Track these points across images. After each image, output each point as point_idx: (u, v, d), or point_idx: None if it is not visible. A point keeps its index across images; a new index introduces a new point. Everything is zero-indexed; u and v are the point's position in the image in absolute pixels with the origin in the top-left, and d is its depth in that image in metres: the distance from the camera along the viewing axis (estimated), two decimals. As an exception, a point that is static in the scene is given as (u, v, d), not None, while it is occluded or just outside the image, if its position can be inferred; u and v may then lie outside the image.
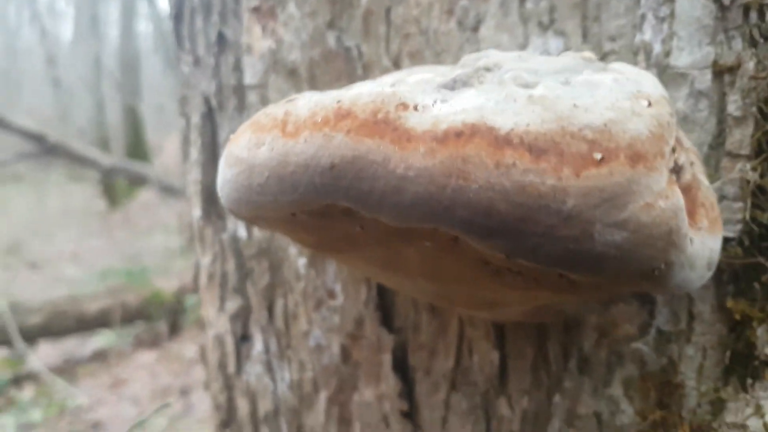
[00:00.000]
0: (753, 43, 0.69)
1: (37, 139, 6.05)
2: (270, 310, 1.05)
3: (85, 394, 4.92)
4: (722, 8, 0.69)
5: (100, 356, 5.77)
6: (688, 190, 0.54)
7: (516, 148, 0.45)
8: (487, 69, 0.55)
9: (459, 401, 0.87)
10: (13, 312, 5.16)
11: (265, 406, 1.10)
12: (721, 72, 0.70)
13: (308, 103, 0.55)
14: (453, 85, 0.54)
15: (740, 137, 0.69)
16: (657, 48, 0.72)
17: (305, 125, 0.53)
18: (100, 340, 5.94)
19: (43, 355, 5.51)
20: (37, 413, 4.59)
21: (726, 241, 0.71)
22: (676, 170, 0.53)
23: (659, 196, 0.46)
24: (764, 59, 0.69)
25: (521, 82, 0.51)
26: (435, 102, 0.51)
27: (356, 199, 0.51)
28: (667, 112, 0.49)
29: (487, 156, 0.46)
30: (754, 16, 0.69)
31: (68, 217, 10.89)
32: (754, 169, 0.68)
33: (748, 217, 0.69)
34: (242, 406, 1.13)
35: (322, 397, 1.03)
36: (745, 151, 0.69)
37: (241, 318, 1.09)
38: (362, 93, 0.52)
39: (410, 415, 0.94)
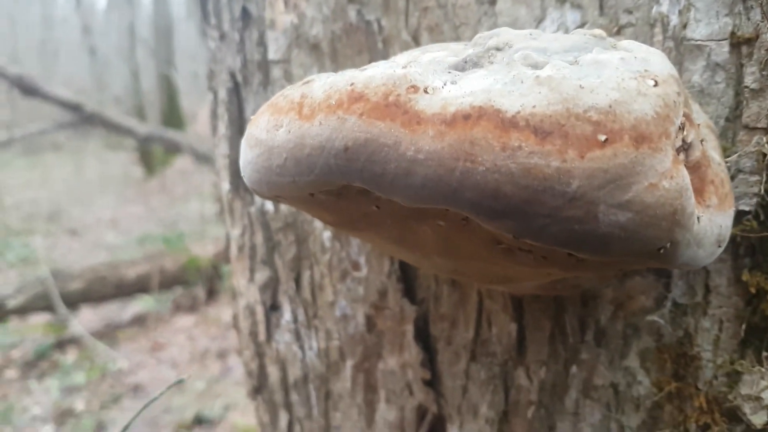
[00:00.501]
0: (773, 13, 0.68)
1: (74, 108, 6.16)
2: (297, 281, 1.08)
3: (125, 358, 5.08)
4: (742, -22, 0.68)
5: (139, 321, 5.94)
6: (697, 168, 0.55)
7: (522, 131, 0.46)
8: (498, 48, 0.55)
9: (478, 371, 0.89)
10: (55, 278, 5.33)
11: (294, 373, 1.13)
12: (738, 44, 0.69)
13: (323, 85, 0.56)
14: (464, 66, 0.55)
15: (757, 110, 0.69)
16: (674, 20, 0.71)
17: (320, 108, 0.54)
18: (139, 304, 6.10)
19: (85, 320, 5.69)
20: (80, 376, 4.76)
21: (742, 214, 0.71)
22: (685, 148, 0.53)
23: (664, 177, 0.46)
24: (785, 30, 0.68)
25: (530, 62, 0.52)
26: (445, 84, 0.52)
27: (369, 181, 0.52)
28: (674, 91, 0.49)
29: (493, 138, 0.47)
30: (774, -15, 0.68)
31: (106, 184, 11.10)
32: (771, 142, 0.68)
33: (762, 191, 0.69)
34: (273, 372, 1.17)
35: (349, 364, 1.06)
36: (762, 124, 0.69)
37: (270, 288, 1.12)
38: (375, 75, 0.53)
39: (432, 383, 0.96)
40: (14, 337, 5.41)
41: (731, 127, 0.71)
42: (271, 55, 1.01)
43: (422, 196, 0.50)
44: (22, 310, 5.31)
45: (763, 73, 0.68)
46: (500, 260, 0.61)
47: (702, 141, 0.56)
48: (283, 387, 1.16)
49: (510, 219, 0.48)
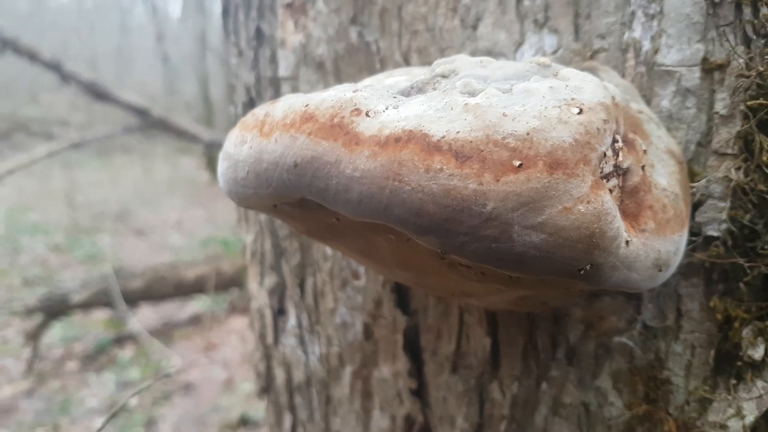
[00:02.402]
0: (746, 40, 0.69)
1: (142, 113, 6.43)
2: (302, 287, 1.13)
3: (179, 356, 5.23)
4: (713, 5, 0.69)
5: (196, 320, 6.10)
6: (634, 193, 0.56)
7: (444, 154, 0.49)
8: (444, 76, 0.58)
9: (456, 383, 0.91)
10: (118, 276, 5.54)
11: (298, 376, 1.18)
12: (711, 69, 0.70)
13: (284, 105, 0.60)
14: (409, 92, 0.58)
15: (727, 136, 0.69)
16: (646, 45, 0.72)
17: (277, 126, 0.59)
18: (197, 305, 6.28)
19: (144, 318, 5.89)
20: (134, 372, 4.93)
21: (711, 239, 0.71)
22: (619, 173, 0.55)
23: (580, 201, 0.48)
24: (756, 57, 0.68)
25: (469, 89, 0.55)
26: (387, 108, 0.55)
27: (316, 195, 0.56)
28: (599, 118, 0.51)
29: (419, 161, 0.50)
30: (747, 12, 0.68)
31: (174, 187, 11.48)
32: (737, 168, 0.68)
33: (724, 216, 0.69)
34: (279, 375, 1.22)
35: (348, 371, 1.09)
36: (731, 150, 0.69)
37: (278, 293, 1.17)
38: (326, 98, 0.57)
39: (420, 393, 0.99)
40: (77, 330, 5.65)
41: (704, 152, 0.72)
42: (282, 71, 1.06)
43: (360, 211, 0.54)
44: (86, 305, 5.53)
45: (734, 99, 0.69)
46: (448, 274, 0.63)
47: (644, 167, 0.57)
48: (288, 389, 1.20)
49: (434, 235, 0.51)
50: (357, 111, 0.55)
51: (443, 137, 0.50)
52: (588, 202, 0.49)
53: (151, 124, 6.51)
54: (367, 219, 0.54)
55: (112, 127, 7.69)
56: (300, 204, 0.63)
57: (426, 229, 0.51)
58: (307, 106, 0.58)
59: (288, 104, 0.60)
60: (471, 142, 0.49)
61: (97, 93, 6.02)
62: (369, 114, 0.54)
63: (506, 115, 0.50)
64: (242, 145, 0.62)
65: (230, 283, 6.46)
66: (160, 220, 9.74)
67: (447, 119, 0.51)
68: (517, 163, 0.48)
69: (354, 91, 0.57)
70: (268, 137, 0.59)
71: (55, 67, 5.68)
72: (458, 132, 0.49)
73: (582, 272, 0.51)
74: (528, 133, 0.48)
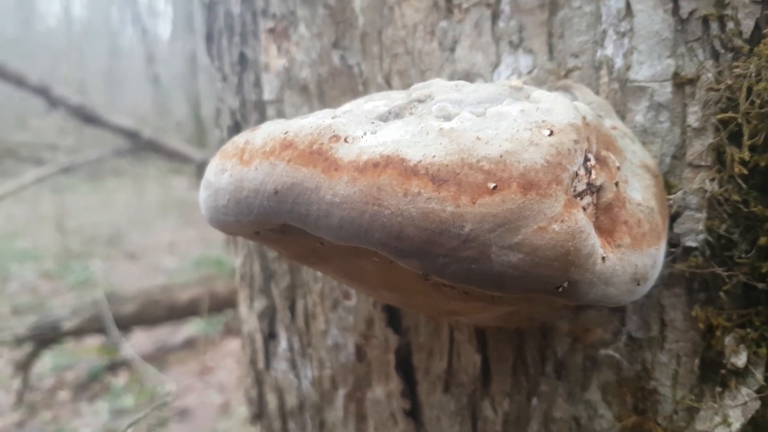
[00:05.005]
0: (714, 54, 0.70)
1: (132, 135, 6.44)
2: (292, 309, 1.13)
3: (174, 381, 5.19)
4: (681, 21, 0.71)
5: (190, 344, 6.05)
6: (609, 209, 0.57)
7: (421, 178, 0.50)
8: (420, 100, 0.60)
9: (449, 402, 0.92)
10: (109, 301, 5.50)
11: (291, 401, 1.18)
12: (682, 84, 0.71)
13: (263, 133, 0.61)
14: (387, 117, 0.59)
15: (700, 148, 0.71)
16: (618, 62, 0.74)
17: (257, 154, 0.60)
18: (191, 328, 6.23)
19: (138, 343, 5.84)
20: (129, 399, 4.88)
21: (690, 250, 0.73)
22: (593, 191, 0.56)
23: (554, 220, 0.50)
24: (725, 70, 0.70)
25: (444, 113, 0.56)
26: (365, 134, 0.56)
27: (298, 221, 0.57)
28: (570, 139, 0.52)
29: (397, 185, 0.51)
30: (715, 27, 0.70)
31: (166, 208, 11.45)
32: (711, 179, 0.70)
33: (701, 227, 0.70)
34: (271, 400, 1.22)
35: (341, 393, 1.09)
36: (705, 162, 0.71)
37: (268, 316, 1.18)
38: (305, 125, 0.58)
39: (414, 413, 0.99)
40: (69, 358, 5.59)
41: (679, 164, 0.73)
42: (266, 95, 1.07)
43: (342, 236, 0.55)
44: (78, 332, 5.48)
45: (705, 112, 0.70)
46: (434, 294, 0.64)
47: (617, 183, 0.59)
48: (281, 415, 1.20)
49: (415, 258, 0.52)
50: (336, 137, 0.56)
51: (420, 161, 0.51)
52: (562, 221, 0.50)
53: (141, 146, 6.53)
54: (349, 243, 0.55)
55: (102, 150, 7.69)
56: (283, 230, 0.64)
57: (407, 252, 0.52)
58: (286, 133, 0.59)
59: (267, 132, 0.61)
60: (447, 165, 0.50)
61: (86, 116, 6.03)
62: (347, 140, 0.55)
63: (480, 139, 0.51)
64: (222, 173, 0.63)
65: (224, 304, 6.42)
66: (153, 242, 9.72)
67: (423, 144, 0.52)
68: (492, 185, 0.49)
69: (332, 118, 0.58)
70: (249, 165, 0.60)
71: (43, 92, 5.69)
72: (434, 156, 0.51)
73: (560, 289, 0.52)
74: (501, 156, 0.50)
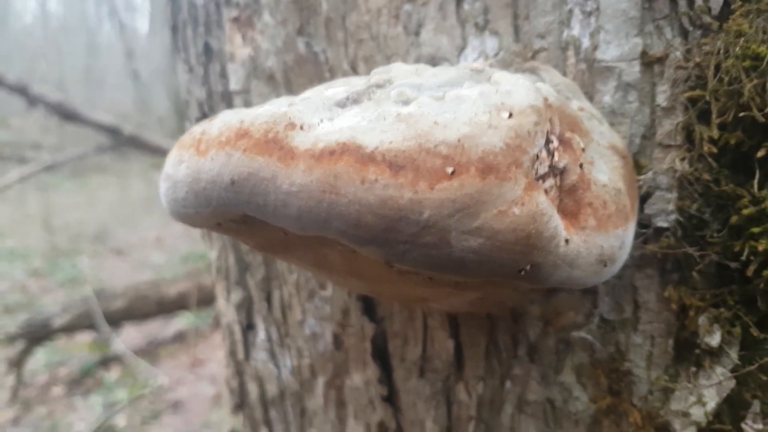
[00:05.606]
0: (683, 32, 0.69)
1: (113, 131, 6.38)
2: (268, 300, 1.12)
3: (166, 375, 5.19)
4: (648, -1, 0.70)
5: (180, 337, 6.04)
6: (573, 191, 0.56)
7: (378, 165, 0.49)
8: (379, 85, 0.58)
9: (424, 386, 0.91)
10: (99, 297, 5.48)
11: (271, 390, 1.17)
12: (650, 63, 0.70)
13: (219, 122, 0.60)
14: (345, 103, 0.58)
15: (670, 128, 0.70)
16: (585, 42, 0.73)
17: (213, 144, 0.58)
18: (181, 321, 6.22)
19: (128, 338, 5.83)
20: (122, 393, 4.88)
21: (661, 230, 0.72)
22: (556, 173, 0.55)
23: (514, 204, 0.49)
24: (693, 48, 0.69)
25: (403, 98, 0.55)
26: (322, 121, 0.55)
27: (256, 211, 0.56)
28: (530, 121, 0.51)
29: (354, 172, 0.49)
30: (683, 4, 0.69)
31: (151, 204, 11.36)
32: (681, 159, 0.69)
33: (672, 207, 0.70)
34: (252, 390, 1.21)
35: (320, 382, 1.09)
36: (675, 141, 0.70)
37: (245, 308, 1.16)
38: (261, 113, 0.57)
39: (391, 399, 0.99)
40: (61, 355, 5.58)
41: (649, 145, 0.72)
42: (232, 86, 1.05)
43: (301, 225, 0.53)
44: (69, 329, 5.46)
45: (674, 90, 0.69)
46: (400, 281, 0.63)
47: (582, 165, 0.58)
48: (262, 404, 1.19)
49: (375, 246, 0.51)
50: (291, 125, 0.54)
51: (377, 148, 0.49)
52: (522, 204, 0.49)
53: (123, 142, 6.47)
54: (307, 233, 0.54)
55: (85, 147, 7.62)
56: (244, 220, 0.62)
57: (366, 240, 0.51)
58: (241, 122, 0.57)
59: (224, 121, 0.60)
60: (404, 151, 0.49)
61: (66, 114, 5.96)
62: (303, 128, 0.54)
63: (437, 123, 0.50)
64: (180, 164, 0.62)
65: (212, 297, 6.36)
66: (140, 238, 9.65)
67: (380, 129, 0.51)
68: (450, 170, 0.48)
69: (289, 105, 0.57)
70: (205, 155, 0.58)
71: (21, 91, 5.62)
72: (391, 142, 0.49)
73: (523, 273, 0.51)
74: (459, 140, 0.48)
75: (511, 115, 0.51)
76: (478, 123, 0.49)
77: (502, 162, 0.49)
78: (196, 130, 0.63)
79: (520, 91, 0.53)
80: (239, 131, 0.56)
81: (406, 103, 0.54)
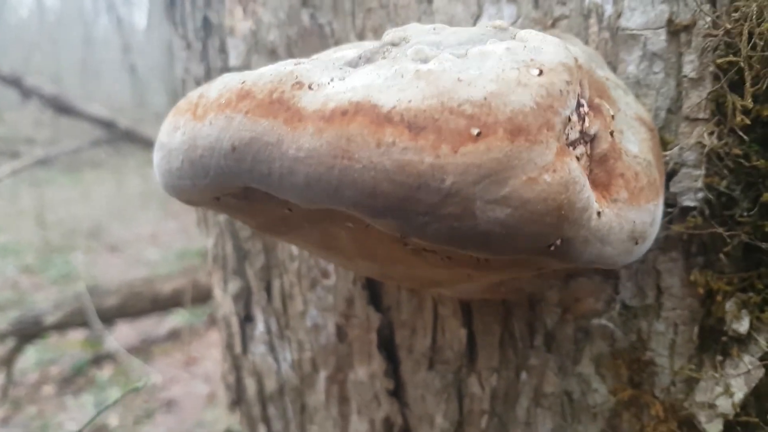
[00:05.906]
0: (712, -2, 0.65)
1: (108, 125, 6.31)
2: (268, 290, 1.07)
3: (159, 373, 5.13)
4: (676, -37, 0.65)
5: (175, 335, 5.98)
6: (604, 161, 0.52)
7: (396, 126, 0.44)
8: (394, 44, 0.54)
9: (433, 379, 0.87)
10: (92, 294, 5.41)
11: (270, 385, 1.12)
12: (677, 31, 0.66)
13: (219, 84, 0.55)
14: (357, 62, 0.54)
15: (697, 100, 0.66)
16: (608, 10, 0.68)
17: (212, 107, 0.53)
18: (175, 319, 6.16)
19: (122, 335, 5.76)
20: (114, 392, 4.81)
21: (687, 210, 0.68)
22: (586, 140, 0.51)
23: (545, 170, 0.44)
24: (723, 14, 0.64)
25: (421, 56, 0.50)
26: (332, 80, 0.50)
27: (260, 181, 0.51)
28: (562, 80, 0.46)
29: (368, 134, 0.45)
30: (713, -31, 0.65)
31: (147, 200, 11.27)
32: (710, 133, 0.65)
33: (700, 185, 0.65)
34: (250, 385, 1.16)
35: (322, 376, 1.04)
36: (703, 114, 0.65)
37: (243, 299, 1.12)
38: (264, 73, 0.52)
39: (397, 393, 0.94)
40: (53, 353, 5.51)
41: (675, 119, 0.68)
42: (232, 61, 1.01)
43: (308, 196, 0.49)
44: (61, 326, 5.40)
45: (702, 60, 0.65)
46: (414, 262, 0.59)
47: (612, 133, 0.53)
48: (260, 400, 1.15)
49: (391, 217, 0.46)
50: (299, 84, 0.50)
51: (394, 107, 0.45)
52: (554, 170, 0.45)
53: (119, 136, 6.40)
54: (318, 205, 0.49)
55: (80, 141, 7.55)
56: (245, 195, 0.58)
57: (382, 211, 0.46)
58: (243, 82, 0.53)
59: (224, 83, 0.55)
60: (424, 111, 0.44)
61: (61, 107, 5.90)
62: (312, 87, 0.49)
63: (461, 80, 0.45)
64: (175, 131, 0.57)
65: (208, 294, 6.32)
66: (134, 234, 9.56)
67: (397, 87, 0.46)
68: (475, 131, 0.43)
69: (296, 65, 0.52)
70: (202, 120, 0.54)
71: (15, 83, 5.55)
72: (410, 101, 0.45)
73: (552, 248, 0.47)
74: (485, 98, 0.44)
75: (541, 73, 0.46)
76: (506, 80, 0.45)
77: (532, 123, 0.44)
78: (194, 94, 0.58)
79: (549, 48, 0.49)
80: (241, 92, 0.52)
81: (425, 60, 0.49)
